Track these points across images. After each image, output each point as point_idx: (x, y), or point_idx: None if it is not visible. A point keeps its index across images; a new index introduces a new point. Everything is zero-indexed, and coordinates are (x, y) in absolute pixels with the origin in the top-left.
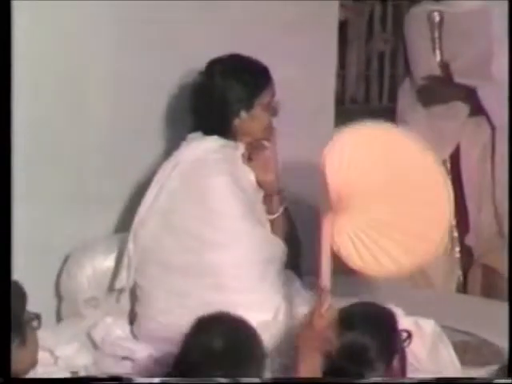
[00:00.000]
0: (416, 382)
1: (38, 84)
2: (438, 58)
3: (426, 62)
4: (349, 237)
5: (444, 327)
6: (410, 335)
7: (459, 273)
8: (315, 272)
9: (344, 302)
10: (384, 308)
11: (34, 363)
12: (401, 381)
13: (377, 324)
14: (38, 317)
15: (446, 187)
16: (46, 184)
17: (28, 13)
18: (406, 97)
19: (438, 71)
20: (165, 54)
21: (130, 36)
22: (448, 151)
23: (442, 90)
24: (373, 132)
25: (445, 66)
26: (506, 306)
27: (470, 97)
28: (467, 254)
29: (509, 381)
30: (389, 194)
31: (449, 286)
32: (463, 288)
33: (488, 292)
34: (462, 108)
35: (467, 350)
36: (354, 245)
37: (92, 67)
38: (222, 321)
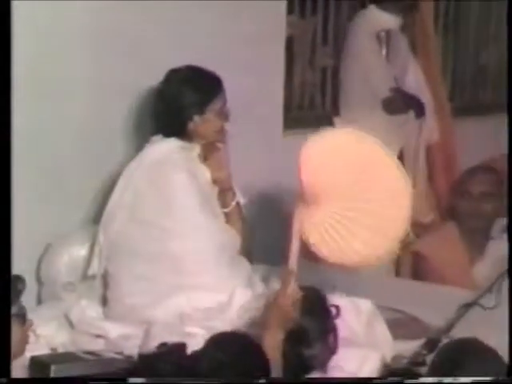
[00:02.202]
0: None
1: (20, 87)
2: (389, 71)
3: (384, 77)
4: (317, 227)
5: (378, 306)
6: (338, 310)
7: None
8: (284, 256)
9: None
10: (315, 289)
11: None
12: (399, 381)
13: (311, 306)
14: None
15: (406, 187)
16: (28, 181)
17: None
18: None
19: (393, 83)
20: (133, 64)
21: (105, 48)
22: (396, 153)
23: (402, 99)
24: (341, 137)
25: (395, 78)
26: (433, 287)
27: (418, 103)
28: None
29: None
30: (355, 193)
31: (386, 269)
32: (395, 271)
33: (417, 275)
34: (411, 114)
35: (399, 326)
36: (322, 235)
37: (68, 74)
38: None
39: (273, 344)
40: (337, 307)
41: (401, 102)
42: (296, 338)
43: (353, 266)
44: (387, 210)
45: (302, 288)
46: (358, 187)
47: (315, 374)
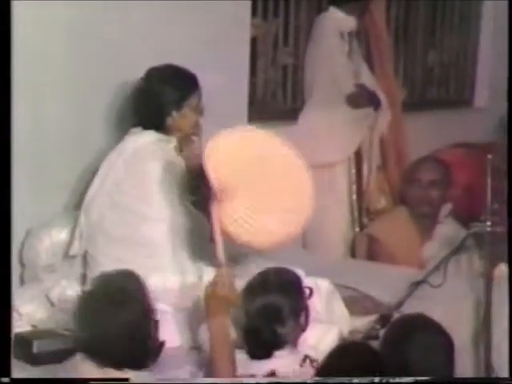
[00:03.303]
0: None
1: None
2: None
3: (348, 74)
4: (234, 218)
5: (336, 285)
6: (311, 291)
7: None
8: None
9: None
10: (292, 271)
11: None
12: (397, 381)
13: (287, 286)
14: None
15: (307, 175)
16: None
17: None
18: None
19: (356, 80)
20: (114, 62)
21: (84, 48)
22: (355, 146)
23: (365, 94)
24: (247, 134)
25: (356, 75)
26: (385, 267)
27: (377, 99)
28: (360, 225)
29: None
30: (262, 183)
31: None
32: (351, 253)
33: (371, 256)
34: (371, 109)
35: (354, 303)
36: (239, 224)
37: (51, 73)
38: None
39: (221, 330)
40: (310, 289)
41: (364, 98)
42: (271, 316)
43: (268, 246)
44: (293, 195)
45: (280, 269)
46: (266, 178)
47: (285, 350)
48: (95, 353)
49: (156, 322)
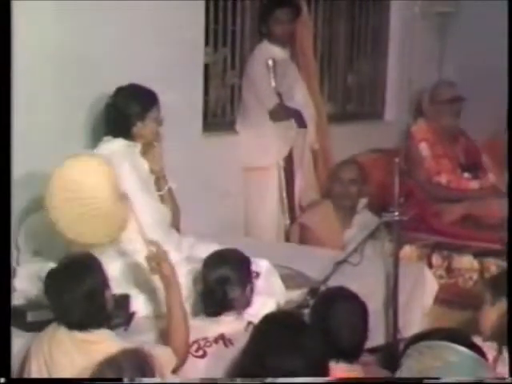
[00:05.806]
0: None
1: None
2: (275, 90)
3: (270, 94)
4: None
5: (274, 264)
6: (258, 275)
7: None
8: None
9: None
10: (241, 252)
11: None
12: (386, 380)
13: (237, 261)
14: None
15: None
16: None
17: None
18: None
19: (277, 99)
20: (91, 83)
21: (68, 70)
22: (284, 153)
23: (283, 111)
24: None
25: (279, 95)
26: (314, 249)
27: (298, 115)
28: (291, 216)
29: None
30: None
31: (278, 237)
32: (285, 238)
33: (302, 240)
34: (293, 122)
35: (289, 279)
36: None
37: (42, 88)
38: None
39: (176, 297)
40: (257, 273)
41: (282, 113)
42: (224, 281)
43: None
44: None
45: (232, 249)
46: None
47: (231, 315)
48: (63, 318)
49: (127, 297)
